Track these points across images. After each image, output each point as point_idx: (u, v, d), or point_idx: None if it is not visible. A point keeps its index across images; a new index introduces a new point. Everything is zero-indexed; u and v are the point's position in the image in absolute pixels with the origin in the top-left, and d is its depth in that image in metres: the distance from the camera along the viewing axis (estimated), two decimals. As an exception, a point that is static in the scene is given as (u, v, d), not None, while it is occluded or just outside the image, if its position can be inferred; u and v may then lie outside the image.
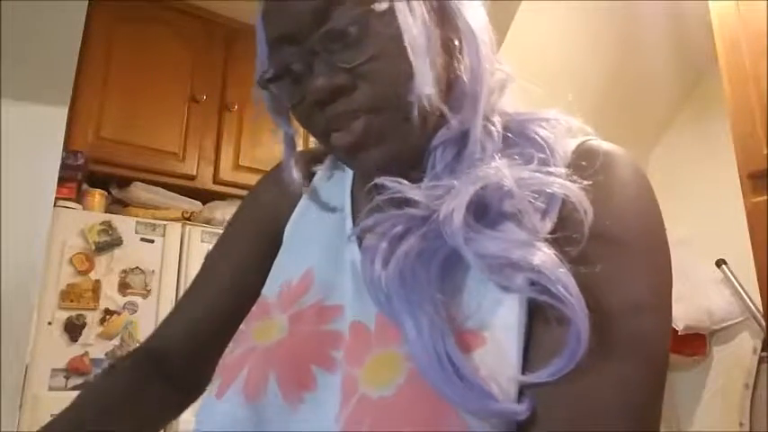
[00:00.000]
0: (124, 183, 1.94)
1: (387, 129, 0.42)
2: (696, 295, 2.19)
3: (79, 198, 1.79)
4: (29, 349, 1.51)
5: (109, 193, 1.91)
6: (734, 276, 2.13)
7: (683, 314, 2.12)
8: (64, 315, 1.59)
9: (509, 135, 0.44)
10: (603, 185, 0.39)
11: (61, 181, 1.67)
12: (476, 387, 0.34)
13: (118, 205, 1.93)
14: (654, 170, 2.64)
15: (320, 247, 0.50)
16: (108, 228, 1.71)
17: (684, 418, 2.35)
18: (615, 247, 0.38)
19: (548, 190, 0.38)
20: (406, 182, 0.41)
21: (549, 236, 0.37)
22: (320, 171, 0.56)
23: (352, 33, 0.40)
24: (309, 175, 0.56)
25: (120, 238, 1.72)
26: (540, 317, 0.37)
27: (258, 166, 2.08)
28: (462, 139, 0.43)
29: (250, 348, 0.45)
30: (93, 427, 0.49)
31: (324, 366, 0.42)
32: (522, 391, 0.35)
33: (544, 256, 0.35)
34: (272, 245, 0.55)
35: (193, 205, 2.02)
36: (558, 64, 2.15)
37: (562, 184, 0.38)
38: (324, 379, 0.41)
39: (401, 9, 0.40)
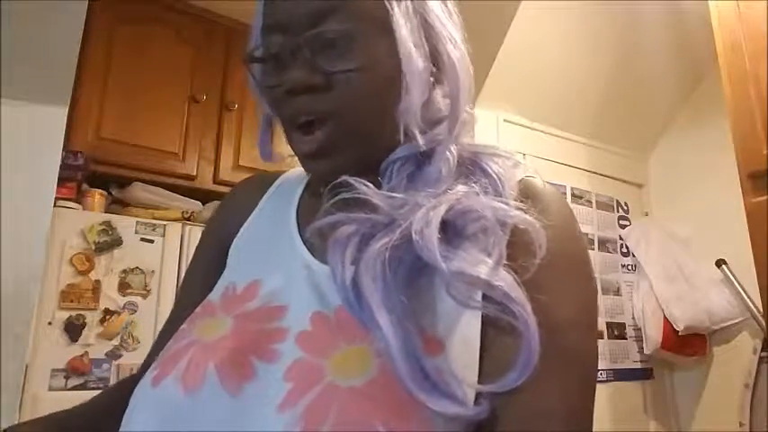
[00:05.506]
0: (124, 183, 1.94)
1: (347, 138, 0.45)
2: (696, 295, 2.19)
3: (79, 198, 1.79)
4: (29, 349, 1.51)
5: (109, 193, 1.91)
6: (734, 276, 2.13)
7: (683, 314, 2.12)
8: (64, 315, 1.59)
9: (462, 163, 0.48)
10: (546, 222, 0.43)
11: (61, 181, 1.67)
12: (440, 387, 0.37)
13: (118, 205, 1.92)
14: (654, 170, 2.65)
15: (267, 257, 0.53)
16: (108, 228, 1.71)
17: (684, 418, 2.35)
18: (554, 275, 0.43)
19: (510, 222, 0.42)
20: (371, 185, 0.44)
21: (506, 262, 0.41)
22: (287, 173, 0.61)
23: (339, 43, 0.43)
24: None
25: (120, 238, 1.72)
26: (493, 330, 0.41)
27: (258, 165, 2.07)
28: (422, 157, 0.47)
29: (190, 342, 0.46)
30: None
31: (264, 358, 0.43)
32: (478, 395, 0.39)
33: (507, 278, 0.39)
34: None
35: (193, 205, 2.02)
36: (558, 64, 2.15)
37: (523, 218, 0.42)
38: (264, 369, 0.42)
39: (402, 38, 0.44)
